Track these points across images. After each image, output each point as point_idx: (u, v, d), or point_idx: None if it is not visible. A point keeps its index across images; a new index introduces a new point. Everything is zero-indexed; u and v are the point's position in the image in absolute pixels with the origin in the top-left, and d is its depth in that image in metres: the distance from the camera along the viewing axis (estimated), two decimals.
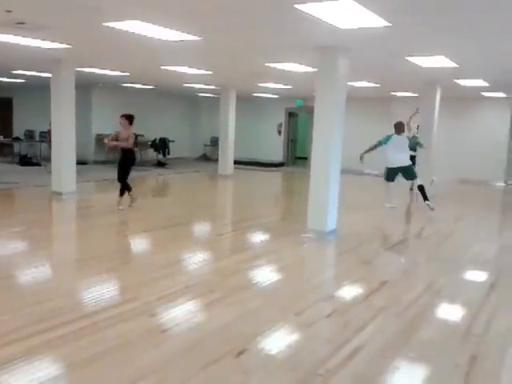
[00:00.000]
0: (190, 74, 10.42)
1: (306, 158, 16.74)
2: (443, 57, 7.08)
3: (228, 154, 14.02)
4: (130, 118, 7.94)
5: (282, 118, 18.06)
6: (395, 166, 8.67)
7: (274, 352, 3.29)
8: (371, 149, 8.58)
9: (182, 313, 3.88)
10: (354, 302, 4.42)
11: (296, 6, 4.25)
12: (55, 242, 6.50)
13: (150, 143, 16.20)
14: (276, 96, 16.84)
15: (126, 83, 14.21)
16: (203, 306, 4.11)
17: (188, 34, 5.83)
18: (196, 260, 5.52)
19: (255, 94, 16.72)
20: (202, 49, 7.00)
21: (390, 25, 4.87)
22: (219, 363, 3.08)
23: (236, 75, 10.91)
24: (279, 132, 18.36)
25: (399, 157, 8.58)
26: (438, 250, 6.39)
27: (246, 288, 4.59)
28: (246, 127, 18.41)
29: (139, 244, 6.38)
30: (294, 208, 9.72)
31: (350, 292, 4.72)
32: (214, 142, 17.67)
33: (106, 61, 9.33)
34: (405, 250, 6.56)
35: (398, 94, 14.27)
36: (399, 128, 8.75)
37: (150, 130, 16.82)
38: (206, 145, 19.21)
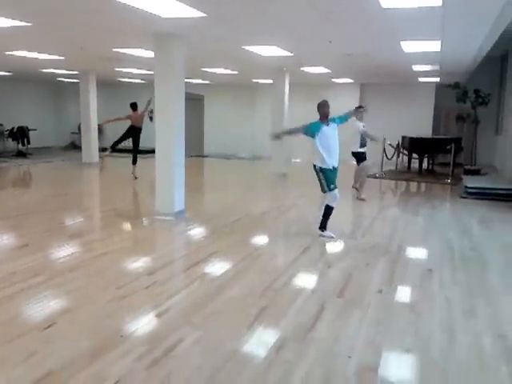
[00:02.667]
0: (42, 59, 10.05)
1: None
2: (275, 47, 7.69)
3: (91, 141, 13.72)
4: None
5: (153, 103, 17.97)
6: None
7: (82, 322, 3.53)
8: (290, 132, 6.83)
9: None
10: (177, 273, 4.79)
11: None
12: None
13: (6, 132, 15.27)
14: (144, 81, 16.73)
15: None
16: (28, 287, 4.19)
17: (19, 20, 5.71)
18: (28, 246, 5.52)
19: (121, 79, 16.46)
20: (38, 34, 6.87)
21: (206, 15, 5.25)
22: (26, 336, 3.25)
23: (89, 60, 10.72)
24: (151, 118, 18.26)
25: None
26: (271, 223, 7.02)
27: (75, 270, 4.74)
28: (115, 113, 18.04)
29: None
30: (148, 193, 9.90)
31: (175, 265, 5.09)
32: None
33: None
34: (240, 226, 7.05)
35: (260, 81, 14.95)
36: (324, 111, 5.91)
37: (9, 119, 15.86)
38: (73, 132, 18.50)
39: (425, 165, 13.40)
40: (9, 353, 3.05)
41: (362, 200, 8.78)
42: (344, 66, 10.58)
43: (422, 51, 7.64)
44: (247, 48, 7.79)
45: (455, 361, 3.09)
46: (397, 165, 13.31)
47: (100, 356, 3.03)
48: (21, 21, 5.85)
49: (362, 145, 8.85)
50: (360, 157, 8.92)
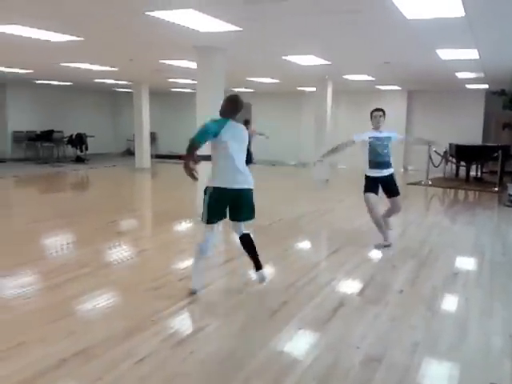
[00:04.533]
0: (96, 70, 10.79)
1: None
2: (314, 56, 7.95)
3: (144, 147, 14.45)
4: None
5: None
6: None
7: (119, 307, 3.93)
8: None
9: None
10: (210, 268, 5.15)
11: (147, 13, 4.87)
12: None
13: (65, 139, 16.34)
14: (194, 91, 17.38)
15: (39, 80, 14.26)
16: (75, 277, 4.65)
17: (66, 34, 6.28)
18: (79, 241, 6.04)
19: (174, 90, 17.21)
20: (90, 48, 7.48)
21: (241, 29, 5.60)
22: (69, 318, 3.69)
23: (140, 71, 11.38)
24: None
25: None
26: (304, 227, 7.25)
27: (118, 263, 5.19)
28: (169, 122, 18.92)
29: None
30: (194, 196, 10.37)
31: (209, 261, 5.46)
32: None
33: (5, 60, 9.53)
34: (274, 228, 7.32)
35: (305, 88, 15.17)
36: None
37: (68, 126, 16.95)
38: (129, 140, 19.43)
39: (474, 173, 13.18)
40: (52, 331, 3.47)
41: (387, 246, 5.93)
42: (387, 74, 10.64)
43: (461, 59, 7.65)
44: (287, 58, 8.09)
45: (461, 355, 3.23)
46: (444, 172, 13.15)
47: (131, 336, 3.39)
48: (71, 35, 6.40)
49: (376, 164, 5.75)
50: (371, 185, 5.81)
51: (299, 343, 3.37)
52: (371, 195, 5.76)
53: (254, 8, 4.59)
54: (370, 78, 11.48)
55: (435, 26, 5.13)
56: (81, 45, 6.97)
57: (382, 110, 5.82)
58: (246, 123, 11.70)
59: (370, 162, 5.78)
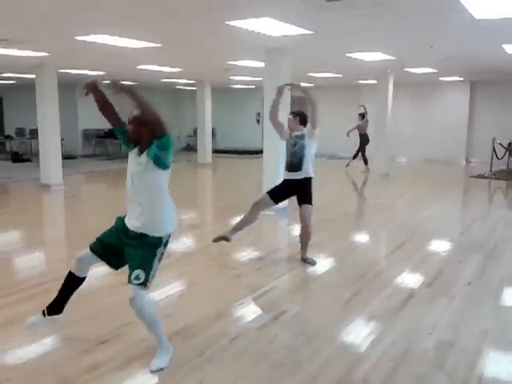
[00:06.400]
0: (164, 71, 11.40)
1: None
2: (379, 53, 8.11)
3: (206, 143, 15.02)
4: None
5: (259, 107, 19.01)
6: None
7: (206, 293, 4.36)
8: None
9: None
10: (280, 259, 5.51)
11: (226, 22, 5.26)
12: (42, 225, 7.54)
13: None
14: (253, 86, 17.80)
15: (108, 81, 15.06)
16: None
17: (147, 42, 6.81)
18: None
19: (233, 86, 17.69)
20: (165, 52, 8.00)
21: (313, 32, 5.89)
22: (160, 302, 4.15)
23: (205, 71, 11.89)
24: (258, 121, 19.34)
25: None
26: (367, 221, 7.47)
27: (196, 253, 5.65)
28: (227, 118, 19.45)
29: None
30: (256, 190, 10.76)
31: (279, 253, 5.81)
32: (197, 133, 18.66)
33: (83, 63, 10.28)
34: (337, 222, 7.57)
35: (365, 81, 15.21)
36: None
37: None
38: (189, 135, 20.17)
39: None
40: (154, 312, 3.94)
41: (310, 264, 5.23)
42: (450, 66, 10.58)
43: None
44: (351, 55, 8.29)
45: None
46: (508, 164, 12.87)
47: (221, 318, 3.81)
48: (150, 42, 6.91)
49: (292, 166, 5.03)
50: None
51: (374, 329, 3.66)
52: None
53: (330, 13, 4.87)
54: (432, 71, 11.41)
55: (502, 24, 5.21)
56: (157, 50, 7.49)
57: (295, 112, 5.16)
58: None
59: None
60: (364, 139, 13.08)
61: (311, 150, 4.99)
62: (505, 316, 3.89)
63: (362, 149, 13.11)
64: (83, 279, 3.22)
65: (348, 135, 13.13)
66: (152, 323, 3.01)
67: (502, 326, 3.68)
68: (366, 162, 12.94)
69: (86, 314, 3.85)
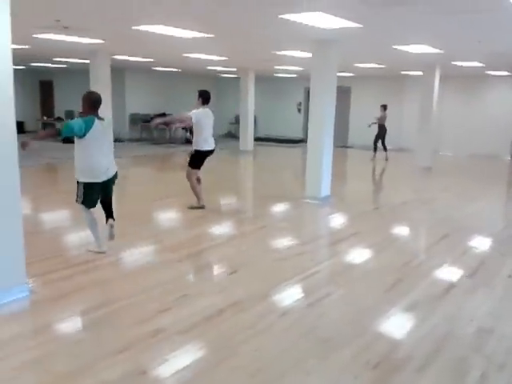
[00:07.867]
0: (210, 59, 11.67)
1: None
2: (426, 46, 8.10)
3: (248, 131, 15.27)
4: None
5: (301, 96, 19.10)
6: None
7: (255, 272, 4.63)
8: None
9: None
10: (323, 246, 5.72)
11: (280, 16, 5.45)
12: None
13: None
14: (295, 75, 17.89)
15: (156, 67, 15.51)
16: (209, 247, 5.44)
17: (200, 32, 7.07)
18: (200, 218, 6.87)
19: (276, 75, 17.82)
20: (215, 42, 8.25)
21: (362, 26, 6.00)
22: (215, 280, 4.45)
23: (250, 60, 12.10)
24: (299, 110, 19.45)
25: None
26: (409, 213, 7.56)
27: (243, 237, 5.93)
28: (268, 106, 19.62)
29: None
30: (295, 179, 10.96)
31: (321, 240, 6.01)
32: (238, 120, 18.91)
33: (135, 51, 10.66)
34: (379, 213, 7.71)
35: (410, 73, 15.03)
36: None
37: (178, 110, 18.21)
38: (230, 123, 20.47)
39: None
40: (208, 287, 4.26)
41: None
42: (499, 61, 10.41)
43: None
44: (397, 47, 8.32)
45: None
46: None
47: (269, 296, 4.07)
48: (204, 32, 7.15)
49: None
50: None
51: (416, 313, 3.84)
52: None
53: (382, 8, 4.98)
54: (480, 65, 11.25)
55: None
56: (207, 40, 7.74)
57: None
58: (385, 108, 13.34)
59: None
60: (382, 130, 13.66)
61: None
62: None
63: (378, 139, 13.74)
64: None
65: (370, 126, 13.81)
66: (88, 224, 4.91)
67: None
68: (375, 149, 13.77)
69: (141, 287, 4.18)
